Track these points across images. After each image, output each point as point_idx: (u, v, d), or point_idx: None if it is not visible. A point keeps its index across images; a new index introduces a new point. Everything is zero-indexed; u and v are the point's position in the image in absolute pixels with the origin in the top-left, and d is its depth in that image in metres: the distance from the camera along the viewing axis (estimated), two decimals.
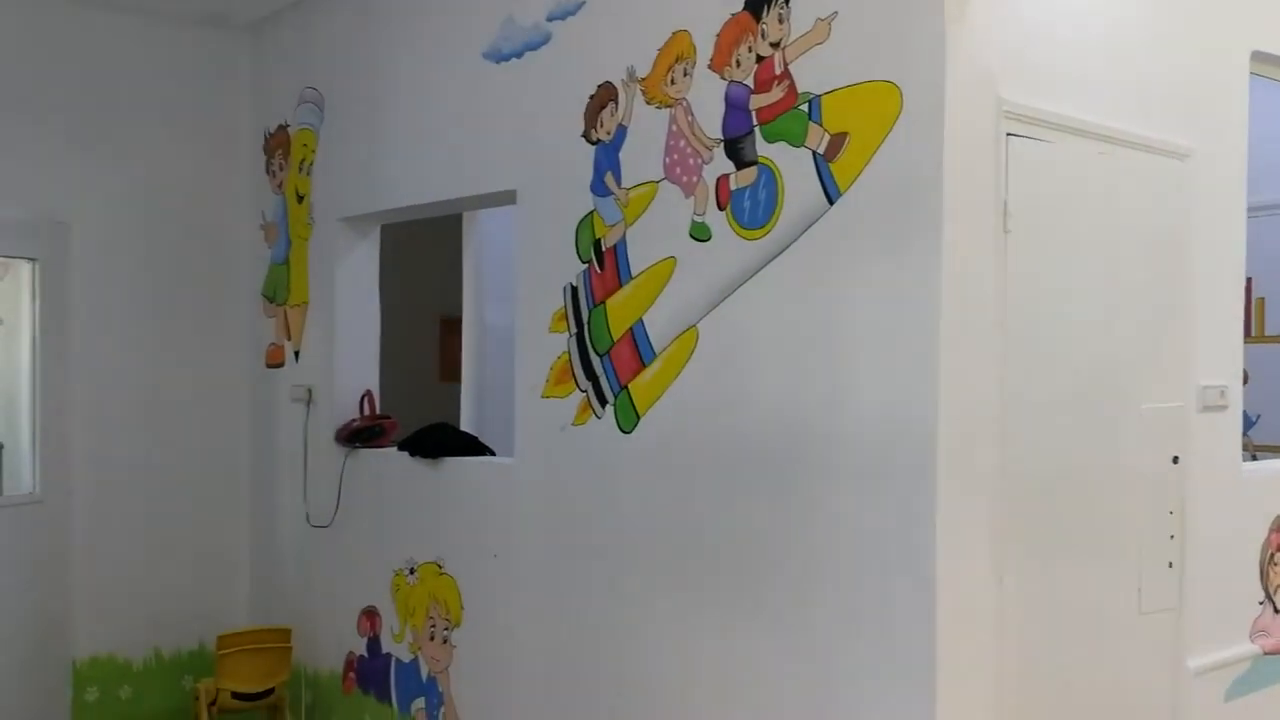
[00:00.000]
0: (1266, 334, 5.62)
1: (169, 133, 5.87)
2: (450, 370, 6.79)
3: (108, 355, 5.71)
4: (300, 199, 5.62)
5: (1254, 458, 5.37)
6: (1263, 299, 5.59)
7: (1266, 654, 4.03)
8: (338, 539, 5.32)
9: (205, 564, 5.97)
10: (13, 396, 5.57)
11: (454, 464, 4.72)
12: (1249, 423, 5.62)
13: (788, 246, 3.34)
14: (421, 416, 5.15)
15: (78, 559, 5.61)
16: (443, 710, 4.69)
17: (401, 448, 4.94)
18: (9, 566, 5.31)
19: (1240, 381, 3.98)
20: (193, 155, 5.94)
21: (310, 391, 5.52)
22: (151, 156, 5.82)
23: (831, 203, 3.22)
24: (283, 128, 5.77)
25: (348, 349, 5.40)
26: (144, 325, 5.81)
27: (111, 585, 5.70)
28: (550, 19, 4.17)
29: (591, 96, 4.01)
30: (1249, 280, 5.62)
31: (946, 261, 2.96)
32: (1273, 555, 4.07)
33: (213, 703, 5.23)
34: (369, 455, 5.20)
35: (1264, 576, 4.04)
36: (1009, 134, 3.11)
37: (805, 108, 3.28)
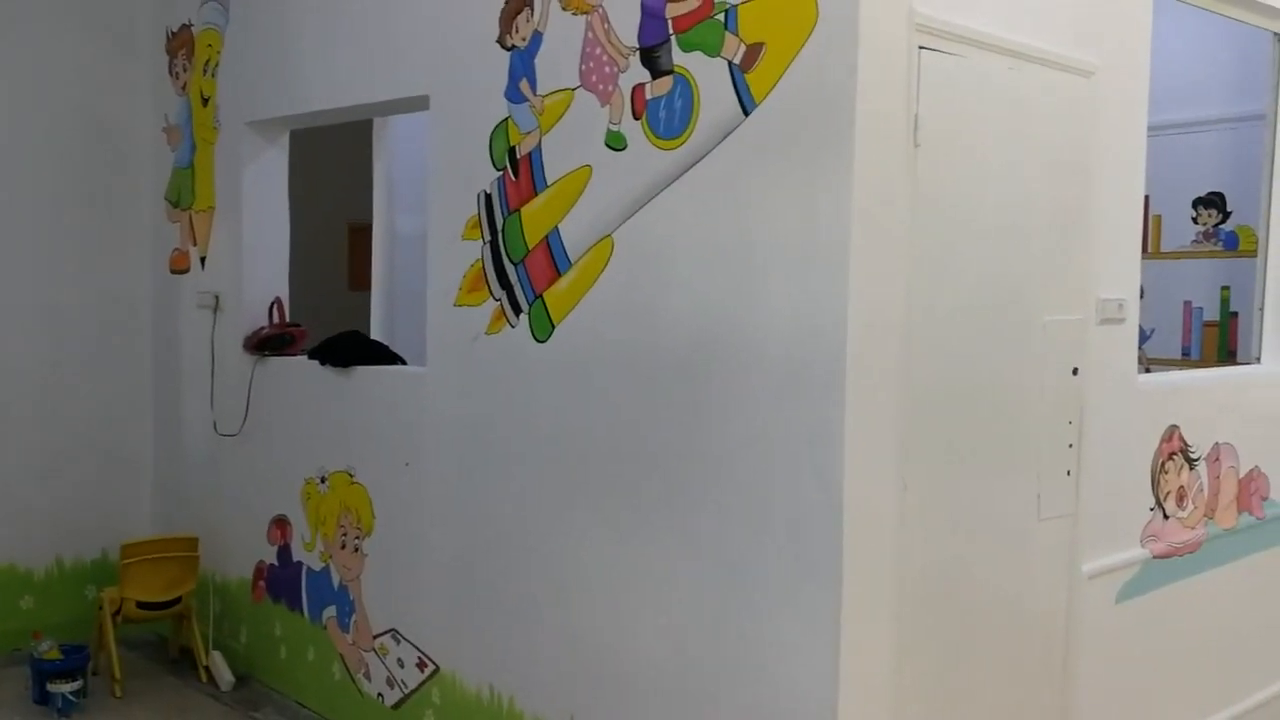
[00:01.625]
0: (1162, 251, 5.77)
1: (66, 31, 5.67)
2: (360, 278, 6.72)
3: (3, 262, 5.55)
4: (205, 101, 5.48)
5: (1148, 370, 5.56)
6: (1159, 216, 5.73)
7: (1156, 558, 4.20)
8: (247, 448, 5.28)
9: (108, 472, 5.90)
10: None
11: (365, 373, 4.70)
12: (1144, 337, 5.81)
13: (703, 157, 3.35)
14: (331, 325, 5.11)
15: None
16: (354, 618, 4.71)
17: (312, 356, 4.90)
18: None
19: (1138, 295, 4.09)
20: (92, 54, 5.75)
21: (217, 298, 5.43)
22: (48, 56, 5.62)
23: (747, 113, 3.22)
24: (186, 27, 5.60)
25: (256, 256, 5.32)
26: (40, 231, 5.66)
27: (10, 494, 5.61)
28: None
29: (506, 1, 3.94)
30: (1145, 198, 5.81)
31: (858, 173, 2.99)
32: (1163, 464, 4.22)
33: (117, 612, 5.20)
34: (278, 364, 5.15)
35: (1155, 484, 4.20)
36: (921, 47, 3.14)
37: (721, 17, 3.26)
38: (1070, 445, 3.77)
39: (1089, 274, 3.81)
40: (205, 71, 5.46)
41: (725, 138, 3.28)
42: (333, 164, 6.62)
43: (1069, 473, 3.77)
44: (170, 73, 5.72)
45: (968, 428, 3.44)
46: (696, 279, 3.39)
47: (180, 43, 5.64)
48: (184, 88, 5.63)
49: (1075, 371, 3.76)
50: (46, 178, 5.66)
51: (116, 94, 5.82)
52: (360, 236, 6.65)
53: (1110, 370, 3.93)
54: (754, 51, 3.19)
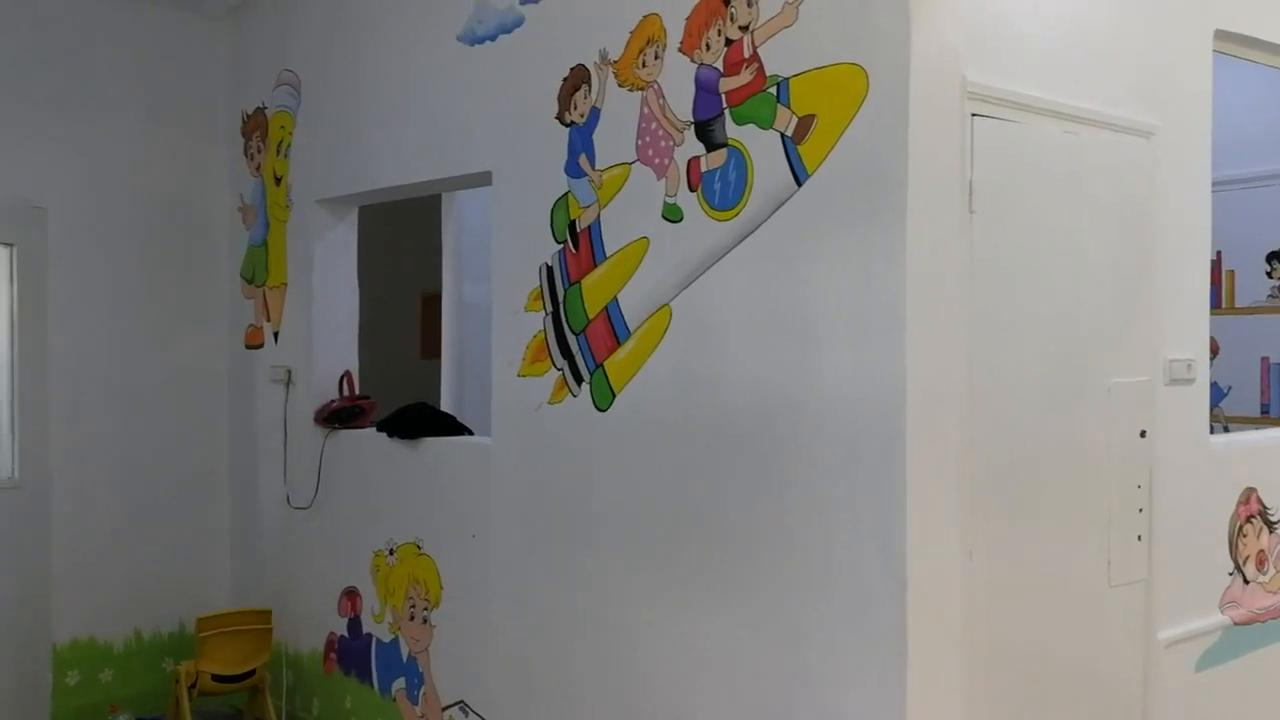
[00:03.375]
0: (1236, 306, 5.67)
1: (146, 115, 5.85)
2: (432, 347, 6.80)
3: (86, 338, 5.70)
4: (278, 181, 5.62)
5: (1226, 429, 5.44)
6: (1232, 272, 5.65)
7: (1236, 624, 4.09)
8: (318, 520, 5.35)
9: (185, 546, 5.98)
10: None
11: (432, 444, 4.75)
12: (1220, 395, 5.70)
13: (758, 227, 3.37)
14: (404, 393, 5.19)
15: (57, 543, 5.61)
16: (423, 690, 4.73)
17: (380, 428, 4.96)
18: None
19: (1208, 354, 4.02)
20: (170, 137, 5.92)
21: (289, 373, 5.53)
22: (129, 139, 5.80)
23: (800, 184, 3.24)
24: (260, 110, 5.77)
25: (326, 330, 5.41)
26: (122, 308, 5.81)
27: (91, 568, 5.70)
28: (523, 2, 4.18)
29: (564, 79, 4.02)
30: (1218, 254, 5.71)
31: (912, 241, 3.00)
32: (1241, 527, 4.13)
33: (193, 685, 5.25)
34: (348, 436, 5.22)
35: (1233, 548, 4.10)
36: (974, 114, 3.15)
37: (774, 90, 3.30)
38: (1141, 510, 3.70)
39: (1155, 335, 3.76)
40: (278, 152, 5.61)
41: (779, 208, 3.31)
42: (408, 234, 6.74)
43: (1140, 538, 3.70)
44: (245, 154, 5.89)
45: (1034, 493, 3.40)
46: (753, 347, 3.40)
47: (255, 125, 5.81)
48: (258, 168, 5.78)
49: (1143, 434, 3.70)
50: (127, 256, 5.81)
51: (194, 175, 5.99)
52: (432, 305, 6.74)
53: (1181, 432, 3.87)
54: (806, 123, 3.22)
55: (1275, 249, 5.66)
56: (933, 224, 3.04)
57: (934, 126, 3.04)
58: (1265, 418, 5.61)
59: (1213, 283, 5.74)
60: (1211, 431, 5.48)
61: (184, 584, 5.96)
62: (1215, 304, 5.73)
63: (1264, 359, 5.67)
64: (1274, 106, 5.84)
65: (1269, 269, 5.64)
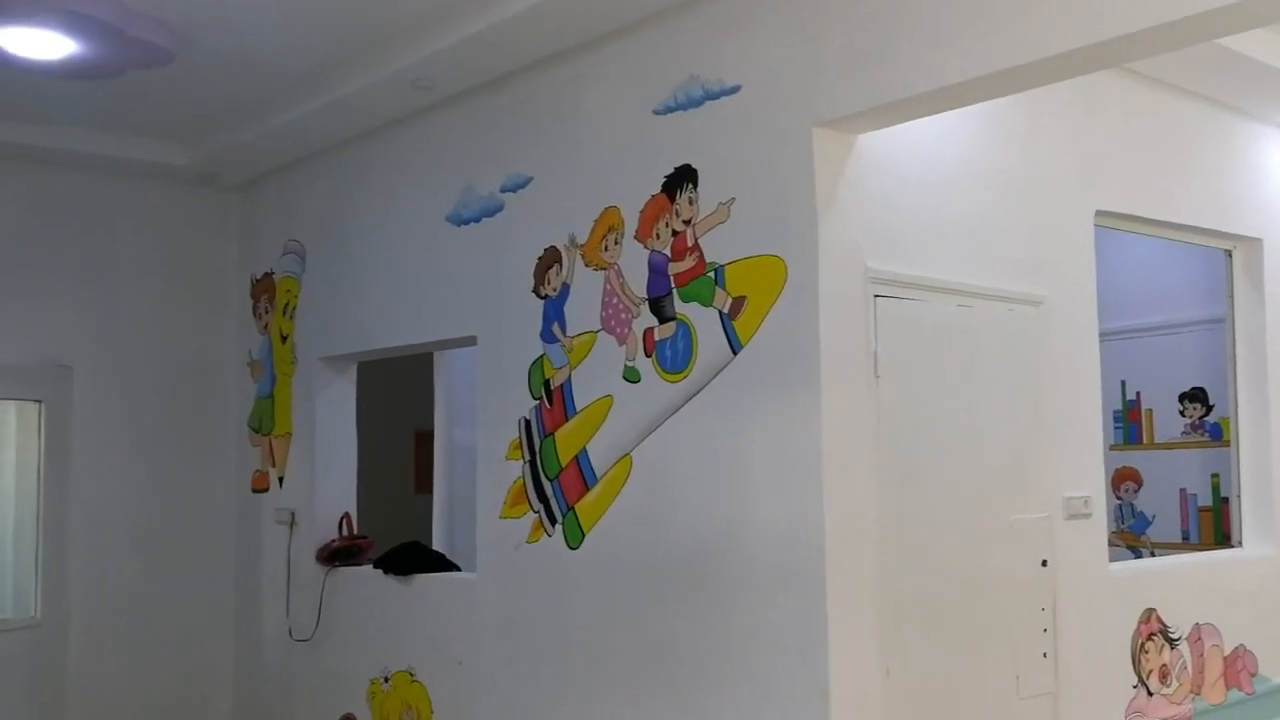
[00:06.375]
0: (1156, 442, 6.22)
1: (165, 281, 6.46)
2: (425, 481, 7.25)
3: (105, 486, 6.21)
4: (284, 339, 6.20)
5: (1153, 554, 5.97)
6: (1151, 411, 6.21)
7: None
8: (319, 652, 5.80)
9: (192, 682, 6.38)
10: (21, 526, 6.07)
11: (423, 580, 5.25)
12: (1146, 522, 6.25)
13: (702, 388, 3.95)
14: (399, 527, 5.65)
15: (73, 676, 6.04)
16: None
17: (376, 566, 5.46)
18: (10, 686, 5.78)
19: (1104, 491, 4.57)
20: (186, 301, 6.52)
21: (293, 515, 6.02)
22: (148, 303, 6.40)
23: (735, 353, 3.84)
24: (268, 275, 6.37)
25: (327, 475, 5.93)
26: (139, 457, 6.32)
27: (104, 704, 6.10)
28: (504, 190, 4.82)
29: (539, 258, 4.64)
30: (1138, 394, 6.30)
31: (825, 402, 3.58)
32: (1143, 644, 4.62)
33: None
34: (348, 573, 5.70)
35: (1136, 663, 4.59)
36: (876, 295, 3.75)
37: (712, 275, 3.91)
38: (1045, 629, 4.21)
39: (1053, 476, 4.31)
40: (284, 313, 6.20)
41: (719, 373, 3.89)
42: (403, 375, 7.25)
43: (1046, 655, 4.20)
44: (254, 314, 6.48)
45: (945, 615, 3.92)
46: (699, 492, 3.95)
47: (263, 288, 6.41)
48: (265, 327, 6.37)
49: (1044, 563, 4.23)
50: (144, 409, 6.36)
51: (207, 334, 6.58)
52: (425, 441, 7.21)
53: (1080, 560, 4.39)
54: (739, 303, 3.82)
55: (1186, 390, 6.24)
56: (843, 388, 3.62)
57: (841, 307, 3.64)
58: (1185, 543, 6.13)
59: (1133, 421, 6.34)
60: (1138, 556, 6.01)
61: (190, 716, 6.34)
62: (1137, 440, 6.31)
63: (1182, 490, 6.20)
64: (1186, 263, 6.46)
65: (1181, 408, 6.21)
